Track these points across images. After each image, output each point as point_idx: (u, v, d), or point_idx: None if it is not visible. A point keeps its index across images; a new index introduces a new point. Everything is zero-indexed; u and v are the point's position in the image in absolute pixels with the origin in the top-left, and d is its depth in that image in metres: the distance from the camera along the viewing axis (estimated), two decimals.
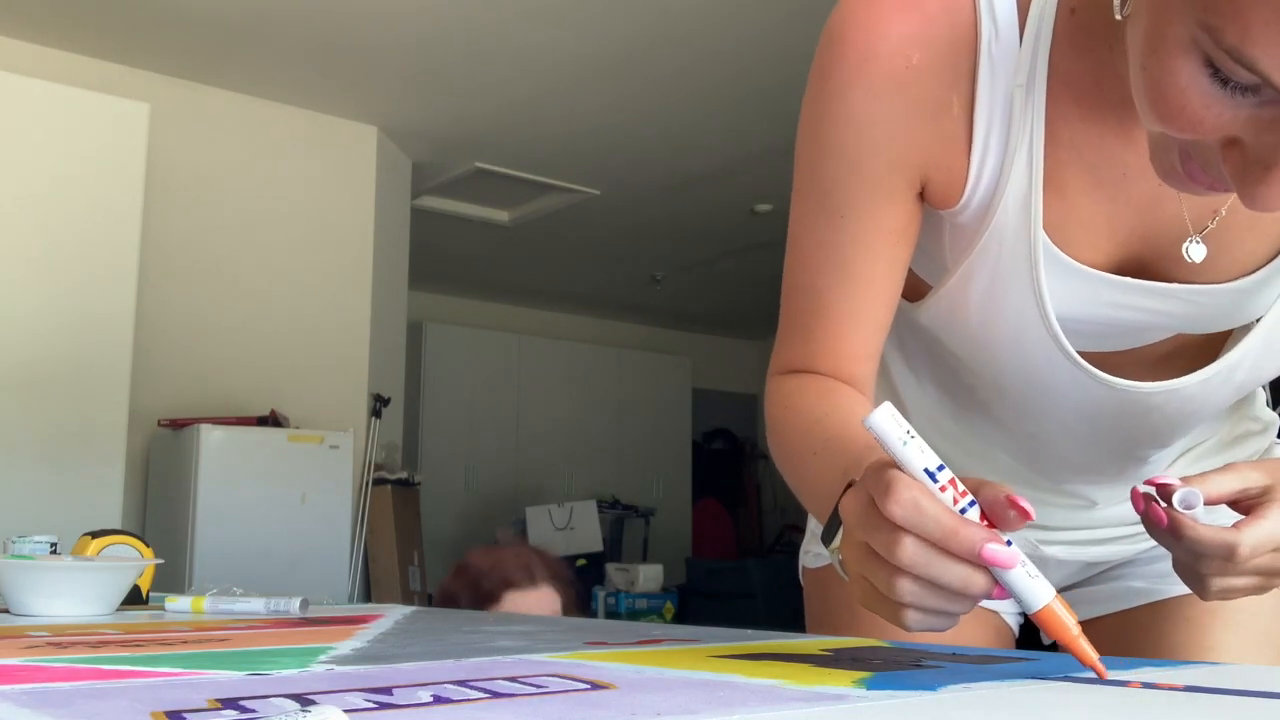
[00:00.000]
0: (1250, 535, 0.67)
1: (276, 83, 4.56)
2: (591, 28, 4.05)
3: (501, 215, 6.31)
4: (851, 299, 0.79)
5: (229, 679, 0.56)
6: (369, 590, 4.77)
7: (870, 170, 0.76)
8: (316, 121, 4.84)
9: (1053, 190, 0.73)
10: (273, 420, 4.23)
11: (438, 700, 0.49)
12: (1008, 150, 0.72)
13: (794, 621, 1.11)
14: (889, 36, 0.71)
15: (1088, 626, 0.92)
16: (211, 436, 3.95)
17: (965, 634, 0.96)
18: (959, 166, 0.74)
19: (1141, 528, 0.86)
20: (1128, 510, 0.89)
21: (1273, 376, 0.82)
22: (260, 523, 4.05)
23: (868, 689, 0.51)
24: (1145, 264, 0.76)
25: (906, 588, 0.55)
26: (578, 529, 7.23)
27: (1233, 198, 0.70)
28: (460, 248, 6.87)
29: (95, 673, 0.59)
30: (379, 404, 4.93)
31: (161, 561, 1.21)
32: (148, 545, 1.26)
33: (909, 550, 0.54)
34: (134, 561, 1.19)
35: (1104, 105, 0.71)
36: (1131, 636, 0.96)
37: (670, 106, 4.76)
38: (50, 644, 0.75)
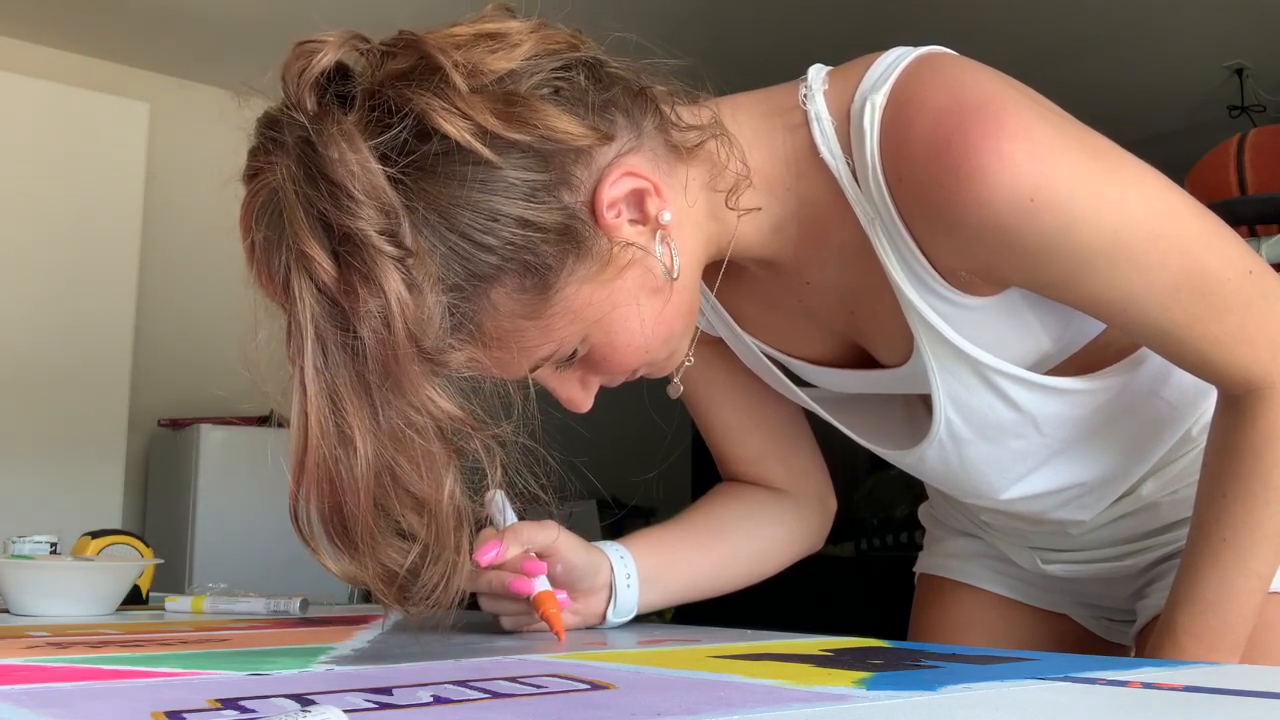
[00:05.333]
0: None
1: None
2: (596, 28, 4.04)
3: None
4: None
5: (229, 679, 0.56)
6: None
7: None
8: None
9: (747, 321, 0.93)
10: (273, 420, 4.24)
11: (438, 700, 0.49)
12: (711, 312, 0.94)
13: (794, 621, 1.11)
14: None
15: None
16: (211, 436, 3.94)
17: (1025, 635, 1.05)
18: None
19: (1132, 548, 0.96)
20: (1107, 534, 0.95)
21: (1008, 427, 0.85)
22: (260, 523, 4.03)
23: (868, 689, 0.51)
24: (862, 352, 0.90)
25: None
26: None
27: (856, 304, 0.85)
28: None
29: (95, 673, 0.59)
30: None
31: (161, 561, 1.21)
32: (148, 545, 1.26)
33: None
34: (134, 561, 1.19)
35: (740, 265, 0.86)
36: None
37: None
38: (50, 644, 0.75)
